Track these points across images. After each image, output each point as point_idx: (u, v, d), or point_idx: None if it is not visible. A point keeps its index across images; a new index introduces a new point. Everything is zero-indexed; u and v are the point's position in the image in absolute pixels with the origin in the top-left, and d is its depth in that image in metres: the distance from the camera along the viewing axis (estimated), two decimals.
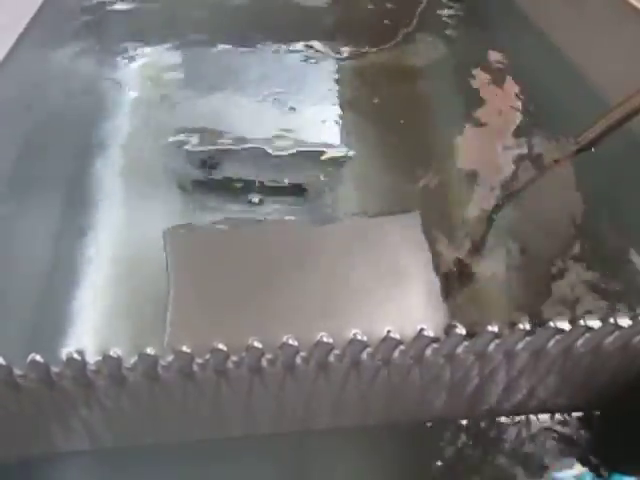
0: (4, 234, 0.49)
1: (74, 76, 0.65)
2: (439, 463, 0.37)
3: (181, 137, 0.54)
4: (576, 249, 0.49)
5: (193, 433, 0.36)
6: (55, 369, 0.32)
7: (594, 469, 0.35)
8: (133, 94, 0.65)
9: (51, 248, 0.49)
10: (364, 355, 0.34)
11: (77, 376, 0.32)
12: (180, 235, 0.49)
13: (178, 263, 0.47)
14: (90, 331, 0.44)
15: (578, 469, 0.36)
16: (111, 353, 0.31)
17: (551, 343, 0.35)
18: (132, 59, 0.69)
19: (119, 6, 0.69)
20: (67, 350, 0.31)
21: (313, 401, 0.36)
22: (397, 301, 0.46)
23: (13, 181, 0.52)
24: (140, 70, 0.68)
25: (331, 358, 0.34)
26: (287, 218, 0.52)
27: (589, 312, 0.44)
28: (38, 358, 0.31)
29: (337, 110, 0.59)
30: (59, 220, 0.52)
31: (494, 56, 0.68)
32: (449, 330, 0.34)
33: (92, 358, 0.32)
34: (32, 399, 0.32)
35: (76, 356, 0.31)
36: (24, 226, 0.51)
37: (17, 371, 0.31)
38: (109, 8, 0.69)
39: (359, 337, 0.33)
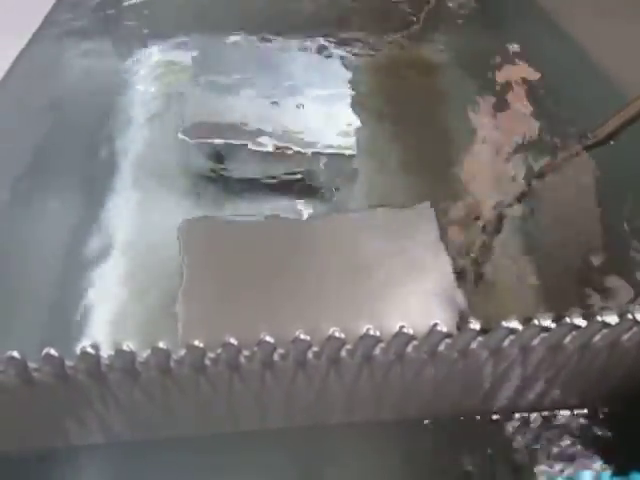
0: (19, 228, 0.50)
1: (86, 71, 0.65)
2: (453, 459, 0.36)
3: (193, 132, 0.54)
4: (594, 244, 0.48)
5: (205, 427, 0.36)
6: (69, 363, 0.32)
7: (612, 467, 0.35)
8: (146, 89, 0.65)
9: (65, 242, 0.50)
10: (377, 350, 0.34)
11: (91, 370, 0.32)
12: (194, 228, 0.49)
13: (192, 256, 0.47)
14: (104, 324, 0.44)
15: (596, 467, 0.36)
16: (124, 347, 0.32)
17: (567, 339, 0.34)
18: (145, 54, 0.69)
19: (133, 0, 0.69)
20: (81, 344, 0.32)
21: (325, 396, 0.36)
22: (411, 295, 0.45)
23: (27, 176, 0.53)
24: (153, 65, 0.68)
25: (343, 353, 0.33)
26: (299, 214, 0.52)
27: (606, 308, 0.43)
28: (52, 352, 0.31)
29: (349, 106, 0.58)
30: (73, 214, 0.52)
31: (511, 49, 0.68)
32: (463, 325, 0.34)
33: (105, 352, 0.32)
34: (46, 393, 0.33)
35: (90, 350, 0.31)
36: (38, 220, 0.51)
37: (31, 365, 0.32)
38: (123, 3, 0.70)
39: (371, 332, 0.32)
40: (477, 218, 0.52)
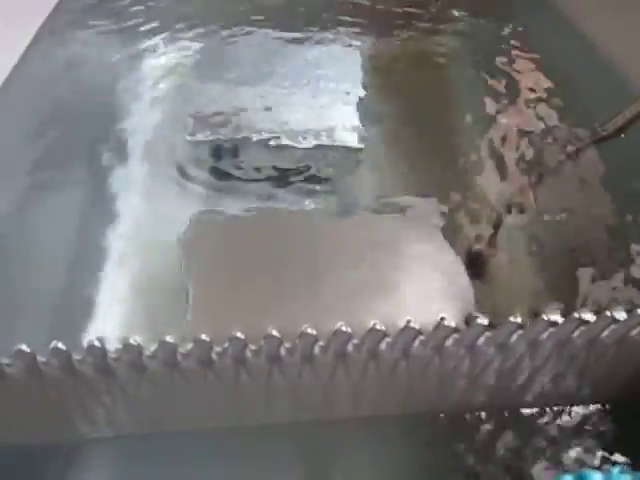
0: (26, 225, 0.50)
1: (91, 68, 0.65)
2: (459, 454, 0.36)
3: (200, 127, 0.54)
4: (601, 239, 0.48)
5: (212, 420, 0.36)
6: (77, 356, 0.32)
7: (621, 462, 0.34)
8: (151, 85, 0.65)
9: (72, 237, 0.50)
10: (383, 345, 0.34)
11: (98, 363, 0.32)
12: (200, 225, 0.49)
13: (199, 251, 0.47)
14: (111, 318, 0.44)
15: (604, 462, 0.35)
16: (131, 341, 0.32)
17: (575, 334, 0.34)
18: (151, 50, 0.69)
19: None
20: (88, 338, 0.32)
21: (332, 391, 0.36)
22: (417, 289, 0.45)
23: (33, 173, 0.53)
24: (158, 60, 0.68)
25: (349, 348, 0.33)
26: (305, 208, 0.52)
27: (615, 303, 0.43)
28: (60, 345, 0.31)
29: (356, 99, 0.58)
30: (79, 210, 0.52)
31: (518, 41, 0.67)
32: (470, 320, 0.34)
33: (113, 346, 0.32)
34: (54, 386, 0.33)
35: (97, 344, 0.32)
36: (46, 215, 0.51)
37: (40, 358, 0.32)
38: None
39: (378, 327, 0.32)
40: (484, 212, 0.52)
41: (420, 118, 0.61)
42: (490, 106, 0.62)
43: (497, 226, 0.50)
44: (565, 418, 0.38)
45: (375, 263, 0.47)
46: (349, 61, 0.64)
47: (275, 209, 0.52)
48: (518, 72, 0.65)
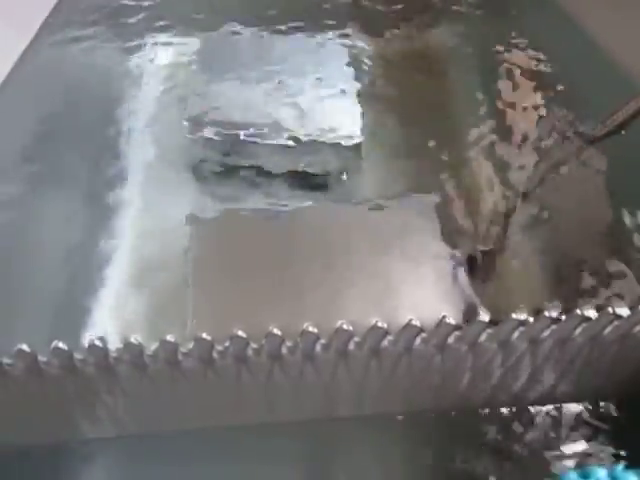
0: (26, 224, 0.50)
1: (90, 68, 0.65)
2: (461, 452, 0.36)
3: (199, 126, 0.54)
4: (604, 236, 0.48)
5: (213, 419, 0.36)
6: (78, 356, 0.32)
7: (625, 460, 0.34)
8: (150, 83, 0.65)
9: (73, 236, 0.50)
10: (385, 343, 0.33)
11: (99, 363, 0.32)
12: (202, 222, 0.49)
13: (200, 250, 0.47)
14: (112, 318, 0.44)
15: (608, 460, 0.35)
16: (132, 340, 0.32)
17: (578, 331, 0.34)
18: (148, 48, 0.69)
19: None
20: (89, 337, 0.32)
21: (333, 389, 0.36)
22: (417, 286, 0.45)
23: (33, 173, 0.53)
24: (157, 59, 0.68)
25: (351, 346, 0.33)
26: (305, 206, 0.52)
27: (617, 300, 0.43)
28: (61, 345, 0.31)
29: (355, 96, 0.58)
30: (80, 210, 0.52)
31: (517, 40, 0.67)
32: (472, 318, 0.34)
33: (114, 344, 0.32)
34: (55, 386, 0.33)
35: (98, 343, 0.31)
36: (45, 213, 0.51)
37: (41, 358, 0.32)
38: None
39: (380, 324, 0.32)
40: (486, 210, 0.52)
41: (420, 115, 0.61)
42: (490, 104, 0.62)
43: (505, 224, 0.50)
44: (568, 415, 0.38)
45: (375, 261, 0.47)
46: (349, 58, 0.64)
47: (276, 207, 0.52)
48: (518, 69, 0.65)
